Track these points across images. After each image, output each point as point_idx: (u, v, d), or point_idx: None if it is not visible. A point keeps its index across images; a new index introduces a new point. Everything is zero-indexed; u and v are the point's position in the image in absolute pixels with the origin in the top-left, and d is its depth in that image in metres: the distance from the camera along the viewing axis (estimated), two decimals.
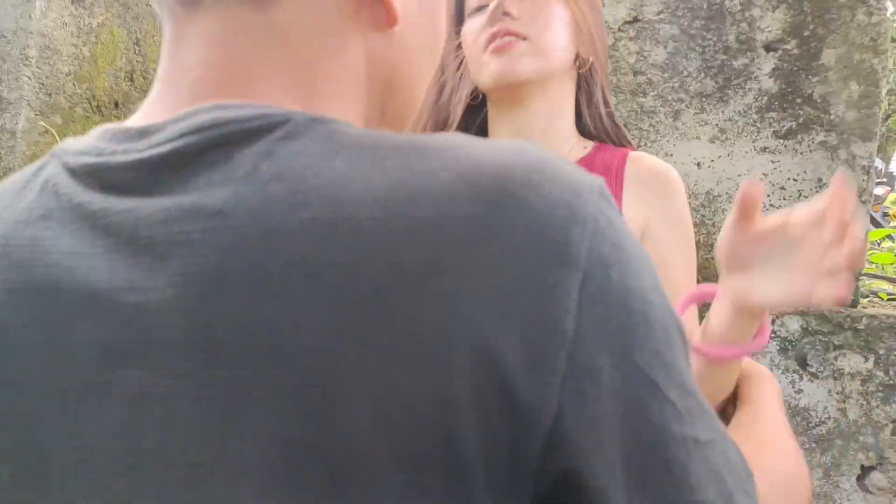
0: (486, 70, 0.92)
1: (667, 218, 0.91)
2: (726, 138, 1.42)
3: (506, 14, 0.90)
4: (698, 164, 1.43)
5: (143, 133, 0.37)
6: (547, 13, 0.93)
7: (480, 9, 0.94)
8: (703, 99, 1.43)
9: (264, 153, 0.34)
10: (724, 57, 1.42)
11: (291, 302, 0.31)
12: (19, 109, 1.88)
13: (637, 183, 0.96)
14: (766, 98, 1.41)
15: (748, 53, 1.42)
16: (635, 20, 1.47)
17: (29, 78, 1.87)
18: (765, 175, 1.41)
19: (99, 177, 0.36)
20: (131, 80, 2.16)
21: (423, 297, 0.30)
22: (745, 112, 1.42)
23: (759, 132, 1.41)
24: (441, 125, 1.02)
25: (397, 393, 0.30)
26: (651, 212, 0.92)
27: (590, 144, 1.00)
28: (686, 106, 1.44)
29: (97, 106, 2.06)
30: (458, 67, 0.98)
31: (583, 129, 1.00)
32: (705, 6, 1.44)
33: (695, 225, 1.36)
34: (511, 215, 0.32)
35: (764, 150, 1.42)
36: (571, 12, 0.93)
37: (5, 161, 1.87)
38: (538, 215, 0.32)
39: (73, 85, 1.98)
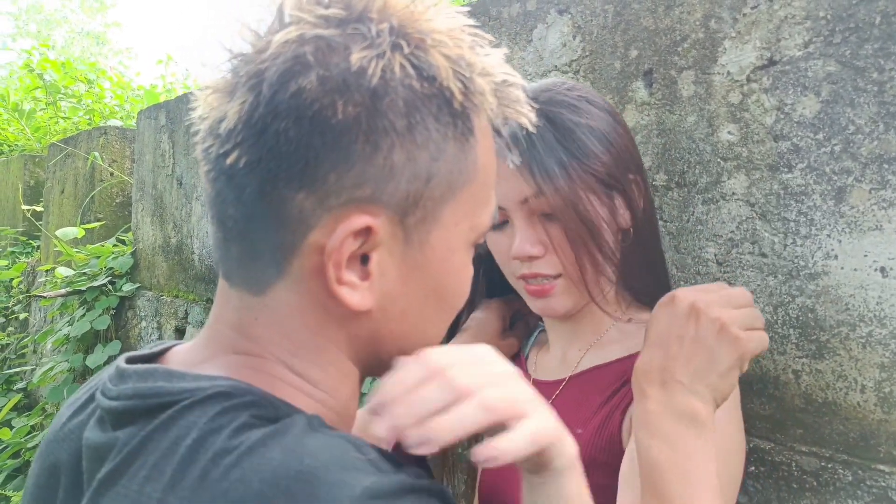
0: (525, 299, 0.90)
1: None
2: None
3: (532, 257, 0.84)
4: (882, 271, 0.85)
5: (122, 376, 0.53)
6: (577, 238, 0.83)
7: (498, 226, 0.87)
8: (885, 166, 0.86)
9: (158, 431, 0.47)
10: None
11: None
12: None
13: None
14: None
15: None
16: (771, 62, 0.96)
17: None
18: None
19: (100, 416, 0.53)
20: None
21: None
22: None
23: None
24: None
25: None
26: None
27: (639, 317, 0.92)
28: (856, 179, 0.88)
29: None
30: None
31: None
32: (879, 20, 0.87)
33: (883, 369, 0.82)
34: None
35: None
36: (606, 216, 0.85)
37: None
38: None
39: None
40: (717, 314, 0.72)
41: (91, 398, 0.57)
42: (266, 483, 0.42)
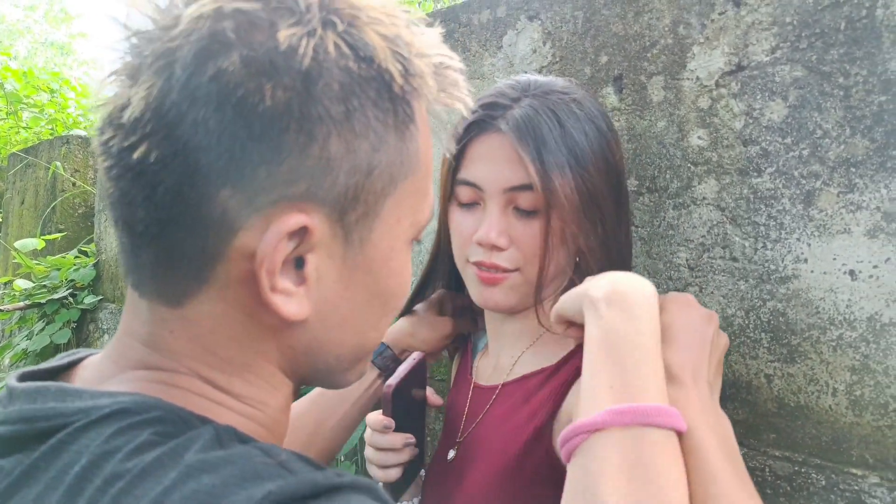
0: (470, 285, 0.88)
1: None
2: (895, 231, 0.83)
3: (495, 247, 0.83)
4: (851, 274, 0.85)
5: (10, 397, 0.47)
6: (548, 244, 0.82)
7: (467, 205, 0.87)
8: (853, 169, 0.86)
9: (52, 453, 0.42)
10: (884, 98, 0.84)
11: None
12: None
13: None
14: None
15: None
16: (739, 68, 0.96)
17: None
18: None
19: None
20: None
21: None
22: None
23: None
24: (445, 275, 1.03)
25: None
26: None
27: None
28: (824, 183, 0.88)
29: None
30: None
31: None
32: (844, 25, 0.88)
33: (853, 371, 0.82)
34: None
35: None
36: (582, 236, 0.83)
37: None
38: None
39: None
40: (723, 335, 0.77)
41: None
42: None
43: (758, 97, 0.94)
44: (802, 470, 0.87)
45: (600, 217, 0.84)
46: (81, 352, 0.53)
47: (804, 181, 0.89)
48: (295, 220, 0.43)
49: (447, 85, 0.49)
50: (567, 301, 0.75)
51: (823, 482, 0.85)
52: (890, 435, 0.80)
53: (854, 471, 0.83)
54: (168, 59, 0.42)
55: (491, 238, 0.81)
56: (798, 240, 0.90)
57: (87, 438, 0.41)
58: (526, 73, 1.24)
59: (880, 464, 0.81)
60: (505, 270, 0.83)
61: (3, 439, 0.44)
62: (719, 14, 0.98)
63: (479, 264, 0.84)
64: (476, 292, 0.87)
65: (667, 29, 1.03)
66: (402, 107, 0.47)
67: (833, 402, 0.85)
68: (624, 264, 0.89)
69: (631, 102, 1.08)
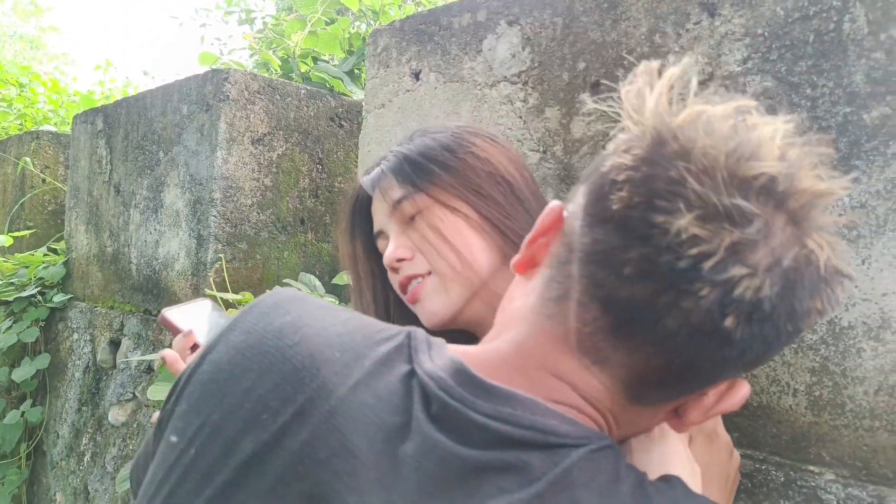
0: (417, 313, 0.90)
1: None
2: (859, 235, 0.87)
3: (399, 261, 0.88)
4: None
5: (489, 393, 0.53)
6: (439, 233, 0.86)
7: (379, 234, 0.93)
8: None
9: (556, 479, 0.50)
10: (849, 109, 0.89)
11: None
12: (209, 244, 2.05)
13: None
14: None
15: (888, 98, 0.87)
16: (711, 77, 1.01)
17: (215, 216, 2.04)
18: None
19: (452, 421, 0.52)
20: (315, 196, 2.23)
21: None
22: (891, 190, 0.86)
23: None
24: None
25: None
26: None
27: None
28: None
29: (282, 227, 2.16)
30: None
31: None
32: (812, 38, 0.93)
33: (813, 373, 0.86)
34: None
35: None
36: (471, 209, 0.87)
37: (200, 289, 2.06)
38: None
39: (258, 213, 2.11)
40: (735, 452, 0.85)
41: (375, 372, 0.56)
42: None
43: None
44: (762, 467, 0.91)
45: (485, 195, 0.88)
46: (446, 347, 0.61)
47: None
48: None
49: None
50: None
51: (782, 479, 0.89)
52: (846, 434, 0.85)
53: (811, 468, 0.87)
54: (792, 277, 0.50)
55: (392, 255, 0.88)
56: None
57: (606, 463, 0.52)
58: (505, 77, 1.28)
59: (836, 461, 0.85)
60: (422, 276, 0.87)
61: (501, 435, 0.52)
62: (694, 24, 1.03)
63: (401, 286, 0.89)
64: (420, 317, 0.89)
65: (643, 37, 1.08)
66: None
67: (793, 402, 0.90)
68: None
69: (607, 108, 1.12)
